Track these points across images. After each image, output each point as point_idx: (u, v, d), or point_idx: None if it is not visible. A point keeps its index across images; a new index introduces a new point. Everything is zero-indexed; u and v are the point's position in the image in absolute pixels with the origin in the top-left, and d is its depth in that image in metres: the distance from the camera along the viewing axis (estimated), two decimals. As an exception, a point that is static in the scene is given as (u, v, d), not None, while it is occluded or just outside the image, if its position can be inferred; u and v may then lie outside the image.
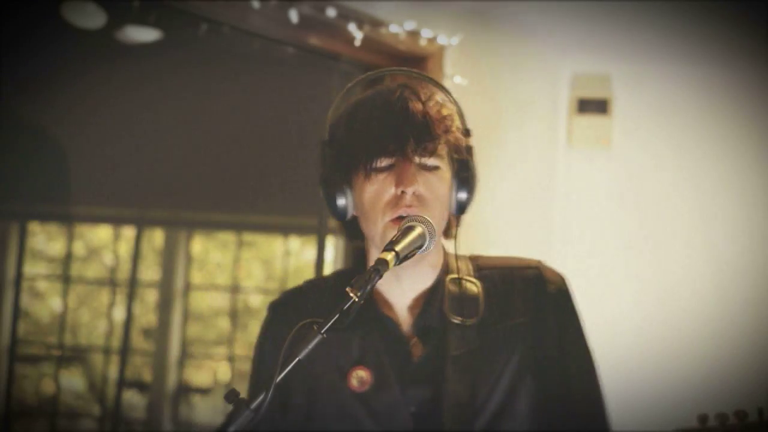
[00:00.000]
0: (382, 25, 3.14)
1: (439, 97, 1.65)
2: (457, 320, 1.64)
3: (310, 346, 1.33)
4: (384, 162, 1.58)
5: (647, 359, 3.38)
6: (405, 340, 1.65)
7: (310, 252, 6.04)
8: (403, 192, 1.56)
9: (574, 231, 3.56)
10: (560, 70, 3.60)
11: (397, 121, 1.57)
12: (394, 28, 3.16)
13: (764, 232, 3.55)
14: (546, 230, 3.48)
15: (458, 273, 1.68)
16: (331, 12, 3.01)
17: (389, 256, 1.40)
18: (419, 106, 1.59)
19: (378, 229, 1.58)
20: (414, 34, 3.20)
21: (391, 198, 1.57)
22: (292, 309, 1.72)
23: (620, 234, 3.58)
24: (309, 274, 5.55)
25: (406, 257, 1.44)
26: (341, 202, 1.63)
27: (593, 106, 3.57)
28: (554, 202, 3.52)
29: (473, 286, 1.68)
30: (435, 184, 1.60)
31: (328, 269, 3.91)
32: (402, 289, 1.67)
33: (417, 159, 1.58)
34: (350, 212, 1.65)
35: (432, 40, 3.24)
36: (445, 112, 1.62)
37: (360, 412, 1.60)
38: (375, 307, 1.67)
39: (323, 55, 3.25)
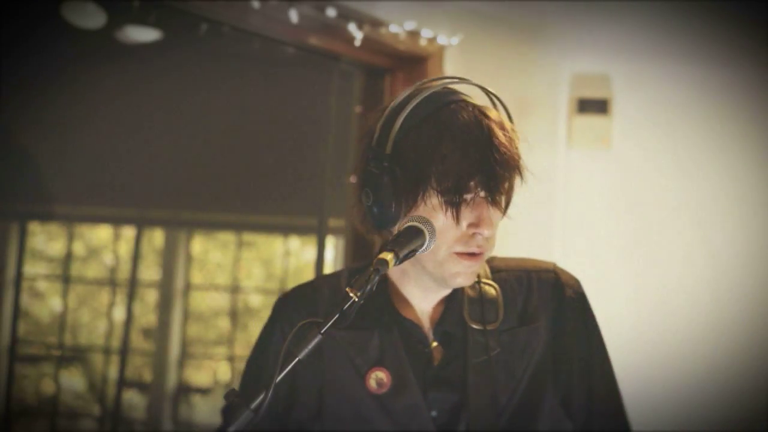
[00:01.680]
0: (382, 25, 3.14)
1: (506, 120, 1.60)
2: (477, 326, 1.63)
3: (310, 346, 1.32)
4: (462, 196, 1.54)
5: (645, 359, 3.38)
6: (426, 343, 1.64)
7: (310, 252, 6.04)
8: (476, 233, 1.54)
9: (574, 231, 3.56)
10: (560, 70, 3.59)
11: (482, 159, 1.51)
12: (394, 28, 3.16)
13: (763, 233, 3.55)
14: (546, 230, 3.48)
15: (477, 277, 1.67)
16: (331, 12, 3.01)
17: (389, 256, 1.39)
18: (503, 142, 1.53)
19: (438, 257, 1.55)
20: (414, 34, 3.20)
21: (462, 234, 1.54)
22: (301, 304, 1.71)
23: (619, 234, 3.58)
24: (309, 274, 5.55)
25: (406, 257, 1.44)
26: (393, 219, 1.55)
27: (593, 106, 3.57)
28: (554, 202, 3.52)
29: (491, 290, 1.67)
30: (496, 219, 1.58)
31: (327, 269, 3.91)
32: (424, 292, 1.66)
33: (490, 197, 1.54)
34: (395, 228, 1.58)
35: (432, 40, 3.24)
36: (517, 143, 1.57)
37: (377, 414, 1.59)
38: (394, 309, 1.66)
39: (323, 55, 3.25)
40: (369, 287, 1.35)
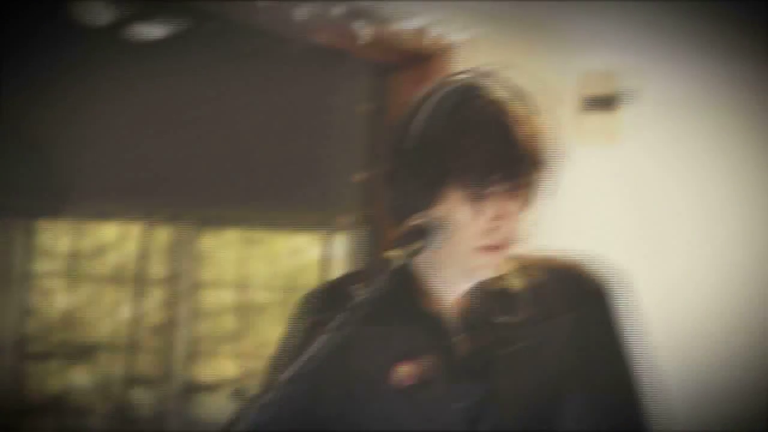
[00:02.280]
0: (389, 23, 3.14)
1: (531, 114, 1.61)
2: (503, 319, 1.64)
3: (318, 345, 1.33)
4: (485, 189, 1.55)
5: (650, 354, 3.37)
6: (453, 336, 1.65)
7: (317, 249, 6.04)
8: (498, 227, 1.55)
9: (580, 227, 3.56)
10: (567, 67, 3.59)
11: (504, 152, 1.54)
12: (401, 26, 3.16)
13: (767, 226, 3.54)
14: (551, 226, 3.48)
15: (502, 270, 1.68)
16: (337, 10, 3.01)
17: (398, 253, 1.40)
18: (527, 137, 1.55)
19: (461, 251, 1.56)
20: (421, 32, 3.20)
21: (484, 227, 1.55)
22: (326, 301, 1.71)
23: (626, 230, 3.58)
24: (317, 271, 5.55)
25: (414, 254, 1.44)
26: (417, 212, 1.57)
27: (600, 103, 3.57)
28: (559, 199, 3.52)
29: (517, 284, 1.69)
30: (519, 213, 1.59)
31: (335, 267, 3.92)
32: (451, 286, 1.66)
33: (514, 191, 1.56)
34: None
35: (439, 38, 3.24)
36: (541, 136, 1.60)
37: (403, 407, 1.60)
38: (419, 301, 1.67)
39: (330, 52, 3.25)
40: (377, 284, 1.36)
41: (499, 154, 1.53)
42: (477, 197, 1.54)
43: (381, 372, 1.62)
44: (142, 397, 5.93)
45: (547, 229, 3.47)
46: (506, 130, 1.55)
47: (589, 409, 1.65)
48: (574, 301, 1.69)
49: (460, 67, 1.65)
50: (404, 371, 1.62)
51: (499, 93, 1.61)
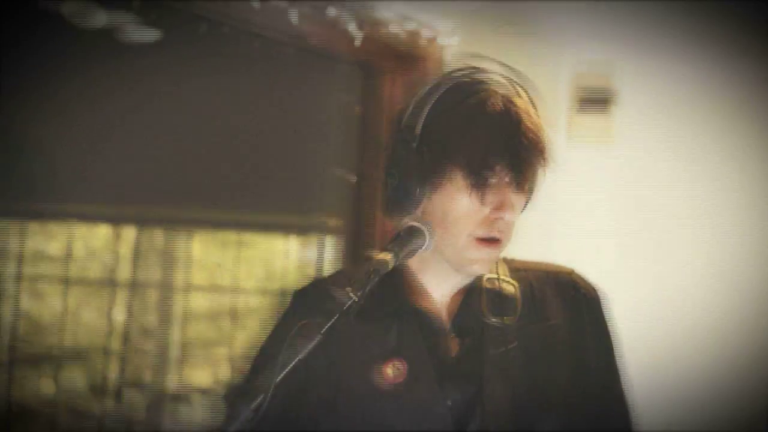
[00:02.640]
0: (382, 25, 3.13)
1: (532, 108, 1.64)
2: (494, 319, 1.65)
3: (310, 347, 1.33)
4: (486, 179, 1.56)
5: (647, 357, 3.37)
6: (443, 334, 1.65)
7: (310, 252, 6.03)
8: (497, 218, 1.57)
9: (574, 227, 3.56)
10: (562, 67, 3.59)
11: (509, 143, 1.58)
12: (394, 28, 3.15)
13: (766, 229, 3.54)
14: (546, 226, 3.47)
15: (496, 272, 1.69)
16: (331, 12, 3.01)
17: (388, 257, 1.41)
18: (531, 128, 1.58)
19: (458, 242, 1.58)
20: (414, 34, 3.20)
21: (483, 218, 1.56)
22: (320, 297, 1.70)
23: (621, 230, 3.58)
24: (309, 274, 5.55)
25: (406, 257, 1.45)
26: (416, 201, 1.59)
27: (595, 103, 3.57)
28: (554, 198, 3.51)
29: (510, 287, 1.71)
30: (518, 207, 1.61)
31: (327, 269, 3.91)
32: (443, 284, 1.67)
33: (515, 182, 1.57)
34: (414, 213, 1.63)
35: (432, 40, 3.24)
36: (544, 131, 1.62)
37: (392, 404, 1.61)
38: (412, 298, 1.67)
39: (323, 55, 3.25)
40: (368, 288, 1.36)
41: (503, 144, 1.55)
42: (479, 186, 1.55)
43: (370, 370, 1.62)
44: (135, 400, 5.92)
45: (540, 228, 3.47)
46: (512, 121, 1.57)
47: (577, 412, 1.65)
48: (567, 306, 1.70)
49: (457, 66, 1.68)
50: (395, 368, 1.62)
51: (504, 87, 1.63)
